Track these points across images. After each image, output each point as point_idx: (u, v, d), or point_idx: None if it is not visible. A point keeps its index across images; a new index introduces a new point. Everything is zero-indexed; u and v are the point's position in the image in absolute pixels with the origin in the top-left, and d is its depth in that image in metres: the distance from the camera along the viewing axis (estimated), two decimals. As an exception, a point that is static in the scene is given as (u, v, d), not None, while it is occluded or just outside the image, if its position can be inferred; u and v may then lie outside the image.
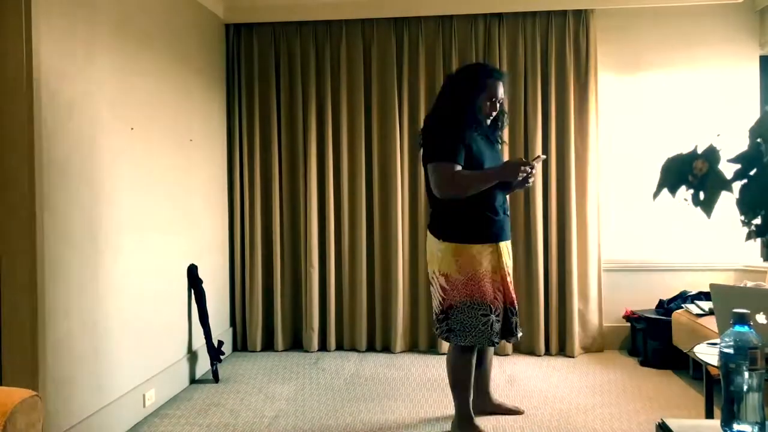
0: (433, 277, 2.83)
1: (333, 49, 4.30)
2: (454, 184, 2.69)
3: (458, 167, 2.68)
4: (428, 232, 2.88)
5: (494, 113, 2.82)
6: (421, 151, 2.85)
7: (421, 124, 4.15)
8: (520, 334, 2.90)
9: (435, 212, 2.86)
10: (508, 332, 2.82)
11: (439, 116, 2.79)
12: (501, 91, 2.79)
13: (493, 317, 2.71)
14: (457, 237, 2.74)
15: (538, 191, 4.13)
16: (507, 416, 3.06)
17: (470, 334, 2.70)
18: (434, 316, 2.87)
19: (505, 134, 4.13)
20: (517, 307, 2.87)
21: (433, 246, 2.81)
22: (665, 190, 1.41)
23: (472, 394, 2.83)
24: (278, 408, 3.25)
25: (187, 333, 3.65)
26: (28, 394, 1.66)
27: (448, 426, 2.95)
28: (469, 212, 2.74)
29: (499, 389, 3.46)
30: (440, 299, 2.78)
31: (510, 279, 2.83)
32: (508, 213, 2.91)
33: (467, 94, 2.73)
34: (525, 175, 2.69)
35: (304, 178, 4.31)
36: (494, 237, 2.76)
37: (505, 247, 2.83)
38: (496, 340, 2.75)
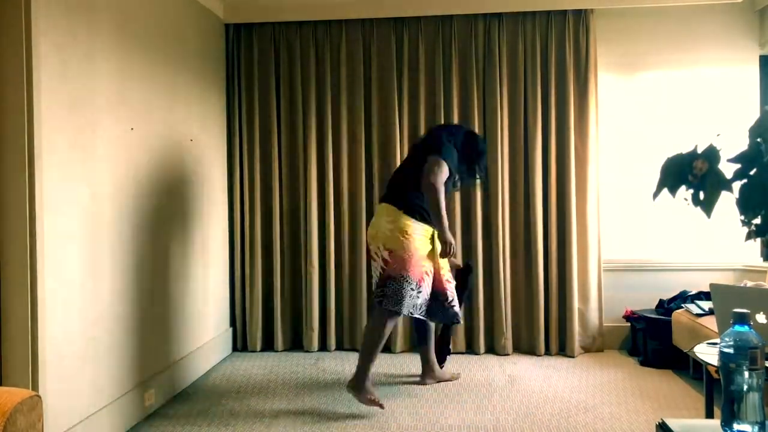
0: (377, 252, 3.27)
1: (333, 49, 4.30)
2: (437, 189, 3.15)
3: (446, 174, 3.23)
4: (385, 204, 3.29)
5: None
6: (422, 144, 3.40)
7: (421, 124, 4.21)
8: (457, 322, 3.40)
9: (403, 189, 3.29)
10: (439, 315, 3.34)
11: (454, 142, 3.36)
12: None
13: (415, 292, 3.18)
14: (417, 214, 3.23)
15: (538, 191, 4.13)
16: (507, 416, 3.06)
17: (401, 302, 3.14)
18: (374, 286, 3.34)
19: (506, 134, 4.19)
20: (448, 295, 3.32)
21: (384, 223, 3.23)
22: (665, 190, 1.41)
23: (374, 361, 3.20)
24: (278, 408, 3.25)
25: (186, 333, 3.65)
26: (28, 394, 1.66)
27: (448, 426, 2.96)
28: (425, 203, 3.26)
29: (500, 389, 3.46)
30: (380, 271, 3.25)
31: (442, 271, 3.32)
32: None
33: (480, 156, 3.49)
34: (448, 252, 3.24)
35: (304, 177, 4.31)
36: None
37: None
38: (415, 312, 3.20)
